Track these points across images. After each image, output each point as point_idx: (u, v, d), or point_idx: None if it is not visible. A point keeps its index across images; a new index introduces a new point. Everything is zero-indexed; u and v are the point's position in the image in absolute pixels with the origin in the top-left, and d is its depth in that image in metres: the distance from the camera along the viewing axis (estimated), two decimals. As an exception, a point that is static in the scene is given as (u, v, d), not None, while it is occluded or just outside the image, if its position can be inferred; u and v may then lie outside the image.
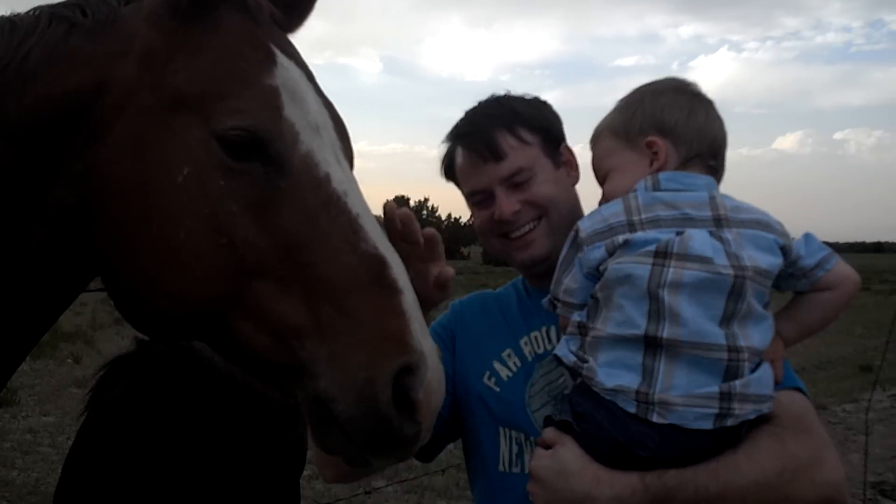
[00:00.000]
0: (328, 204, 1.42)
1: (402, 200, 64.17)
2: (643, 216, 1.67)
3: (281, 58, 1.51)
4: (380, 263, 1.40)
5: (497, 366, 2.04)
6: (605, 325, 1.65)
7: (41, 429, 9.44)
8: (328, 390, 1.35)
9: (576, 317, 1.73)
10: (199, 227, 1.41)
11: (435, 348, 1.41)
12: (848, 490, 1.67)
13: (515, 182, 1.94)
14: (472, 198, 2.02)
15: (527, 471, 1.86)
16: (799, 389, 1.77)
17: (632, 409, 1.58)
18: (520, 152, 1.94)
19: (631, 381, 1.59)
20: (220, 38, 1.48)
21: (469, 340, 2.11)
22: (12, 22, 1.53)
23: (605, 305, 1.66)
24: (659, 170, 1.76)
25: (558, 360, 1.76)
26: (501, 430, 1.99)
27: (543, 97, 2.12)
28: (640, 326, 1.60)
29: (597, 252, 1.68)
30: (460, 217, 63.28)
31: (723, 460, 1.58)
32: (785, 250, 1.69)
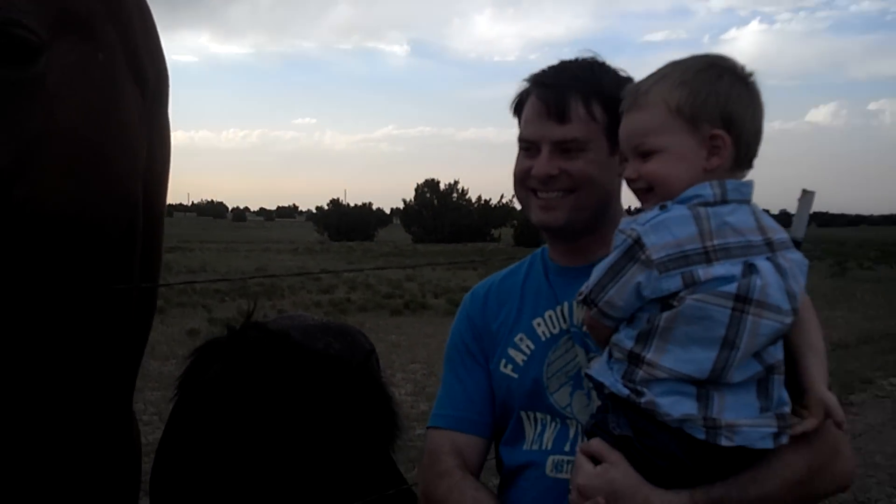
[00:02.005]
0: None
1: (432, 183, 64.14)
2: (715, 242, 1.59)
3: None
4: None
5: (512, 352, 2.04)
6: (661, 359, 1.59)
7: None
8: None
9: (626, 343, 1.65)
10: None
11: None
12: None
13: (565, 148, 1.92)
14: (522, 143, 2.02)
15: (546, 447, 1.94)
16: None
17: (701, 436, 1.56)
18: (583, 124, 1.92)
19: (691, 407, 1.57)
20: None
21: (488, 329, 2.12)
22: None
23: (665, 338, 1.60)
24: (717, 167, 1.67)
25: (596, 384, 1.72)
26: (523, 413, 2.01)
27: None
28: (705, 371, 1.57)
29: (672, 283, 1.59)
30: (490, 199, 62.79)
31: (759, 467, 1.62)
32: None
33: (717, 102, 1.66)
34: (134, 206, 1.71)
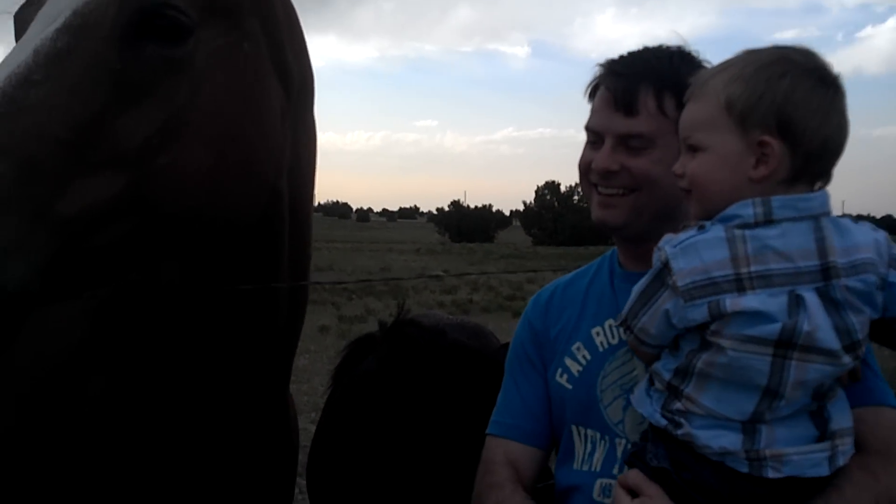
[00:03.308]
0: None
1: (552, 185, 63.78)
2: (752, 269, 1.42)
3: None
4: None
5: (568, 361, 1.91)
6: (700, 397, 1.48)
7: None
8: None
9: (665, 374, 1.54)
10: None
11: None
12: None
13: (629, 144, 1.78)
14: (588, 134, 1.88)
15: (595, 469, 1.81)
16: (890, 404, 1.60)
17: (745, 469, 1.44)
18: (652, 119, 1.76)
19: (734, 441, 1.45)
20: None
21: (548, 335, 1.99)
22: None
23: (704, 378, 1.48)
24: (764, 178, 1.48)
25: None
26: (574, 428, 1.88)
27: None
28: (746, 414, 1.45)
29: (698, 313, 1.45)
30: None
31: (816, 502, 1.45)
32: (881, 287, 1.47)
33: (774, 104, 1.47)
34: (274, 195, 1.76)
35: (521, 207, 65.49)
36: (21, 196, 1.31)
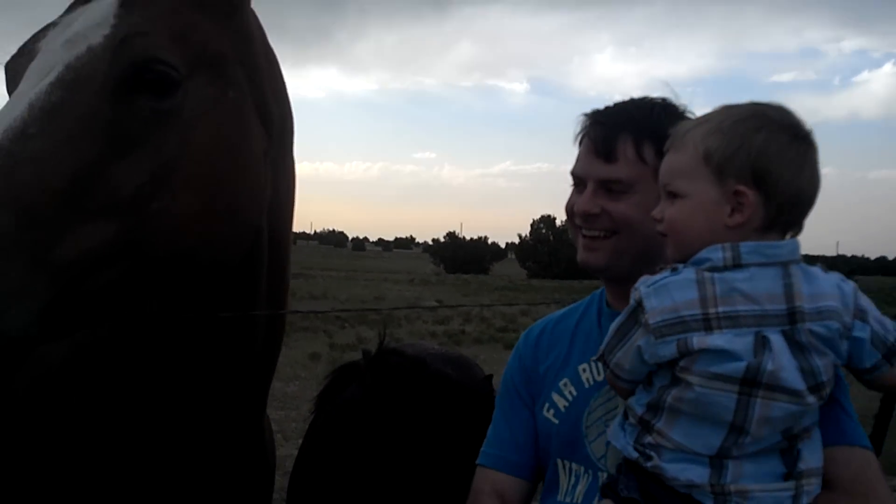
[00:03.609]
0: None
1: (548, 219, 63.84)
2: (720, 310, 1.50)
3: None
4: None
5: (555, 396, 1.98)
6: (671, 432, 1.55)
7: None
8: None
9: (637, 409, 1.61)
10: None
11: None
12: None
13: (609, 188, 1.88)
14: (573, 178, 1.98)
15: (576, 501, 1.88)
16: (860, 444, 1.66)
17: (710, 503, 1.50)
18: (631, 166, 1.86)
19: (701, 474, 1.51)
20: None
21: (537, 372, 2.06)
22: None
23: (674, 413, 1.55)
24: (739, 226, 1.56)
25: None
26: (560, 461, 1.95)
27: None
28: (713, 449, 1.52)
29: (667, 350, 1.52)
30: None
31: None
32: (842, 335, 1.55)
33: (749, 156, 1.55)
34: (257, 233, 1.84)
35: (517, 240, 65.55)
36: (21, 245, 1.37)
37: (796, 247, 1.58)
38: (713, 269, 1.54)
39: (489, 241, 79.63)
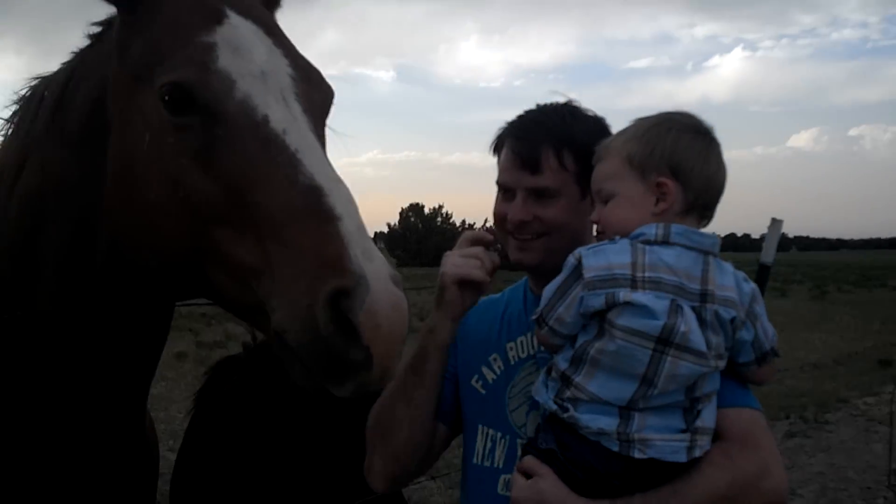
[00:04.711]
0: (267, 144, 1.50)
1: (416, 207, 64.24)
2: (646, 274, 1.73)
3: (231, 16, 1.65)
4: (316, 193, 1.44)
5: (484, 370, 2.18)
6: (588, 384, 1.75)
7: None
8: (280, 323, 1.40)
9: (561, 364, 1.81)
10: (161, 185, 1.55)
11: (387, 272, 1.41)
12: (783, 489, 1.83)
13: (539, 196, 2.06)
14: (500, 187, 2.14)
15: (497, 465, 2.08)
16: (750, 406, 1.90)
17: (615, 448, 1.71)
18: (555, 174, 2.05)
19: (610, 423, 1.72)
20: (164, 13, 1.66)
21: (468, 345, 2.23)
22: (67, 63, 1.86)
23: (593, 366, 1.76)
24: (664, 212, 1.83)
25: (534, 401, 1.91)
26: (480, 427, 2.15)
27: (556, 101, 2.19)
28: (625, 399, 1.72)
29: (597, 301, 1.73)
30: (474, 223, 62.48)
31: (681, 479, 1.73)
32: (734, 325, 1.79)
33: (664, 153, 1.83)
34: None
35: (386, 229, 65.65)
36: None
37: (717, 241, 1.84)
38: (646, 242, 1.79)
39: (357, 232, 78.86)
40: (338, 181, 1.50)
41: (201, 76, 1.53)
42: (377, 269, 1.38)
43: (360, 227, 1.45)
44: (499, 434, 2.11)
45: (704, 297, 1.76)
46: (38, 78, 1.94)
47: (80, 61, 1.83)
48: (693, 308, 1.74)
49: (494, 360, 2.18)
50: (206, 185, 1.51)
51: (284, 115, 1.55)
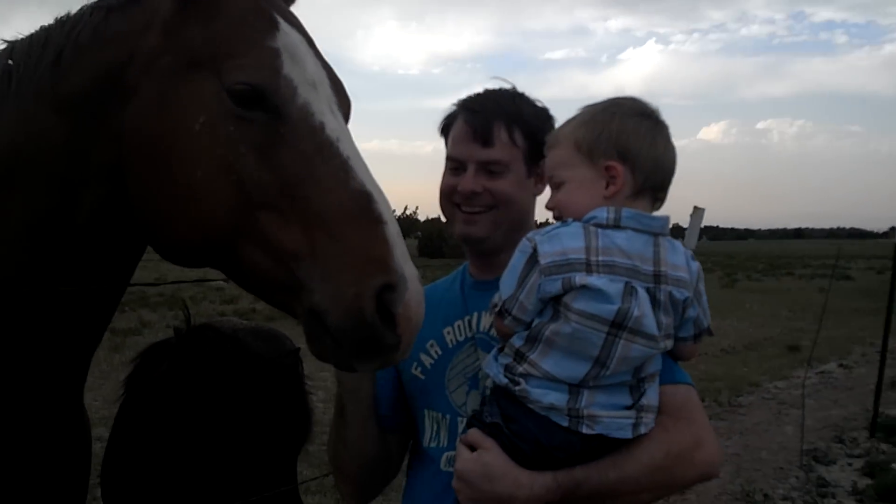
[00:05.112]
0: (322, 148, 1.66)
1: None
2: (600, 258, 1.76)
3: (283, 24, 1.77)
4: (366, 198, 1.62)
5: (422, 356, 2.21)
6: (542, 362, 1.78)
7: None
8: (321, 304, 1.58)
9: (517, 342, 1.84)
10: (212, 166, 1.66)
11: (416, 273, 1.61)
12: (718, 465, 1.95)
13: (489, 169, 2.11)
14: (450, 162, 2.19)
15: (442, 445, 2.13)
16: (685, 382, 1.98)
17: (565, 424, 1.75)
18: (505, 148, 2.11)
19: (560, 399, 1.76)
20: (227, 8, 1.74)
21: None
22: (68, 17, 1.83)
23: (548, 346, 1.78)
24: (614, 195, 1.85)
25: (484, 375, 1.95)
26: (426, 411, 2.20)
27: (475, 90, 2.29)
28: (577, 379, 1.76)
29: (553, 286, 1.76)
30: (394, 210, 62.71)
31: (620, 451, 1.79)
32: (685, 305, 1.84)
33: (610, 138, 1.85)
34: None
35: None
36: None
37: (666, 223, 1.88)
38: (598, 226, 1.81)
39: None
40: (381, 190, 1.67)
41: (274, 81, 1.67)
42: (411, 269, 1.60)
43: (399, 232, 1.65)
44: (441, 415, 2.16)
45: (658, 278, 1.80)
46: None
47: (86, 26, 1.80)
48: (647, 290, 1.78)
49: (431, 345, 2.21)
50: (262, 175, 1.64)
51: (337, 125, 1.72)
